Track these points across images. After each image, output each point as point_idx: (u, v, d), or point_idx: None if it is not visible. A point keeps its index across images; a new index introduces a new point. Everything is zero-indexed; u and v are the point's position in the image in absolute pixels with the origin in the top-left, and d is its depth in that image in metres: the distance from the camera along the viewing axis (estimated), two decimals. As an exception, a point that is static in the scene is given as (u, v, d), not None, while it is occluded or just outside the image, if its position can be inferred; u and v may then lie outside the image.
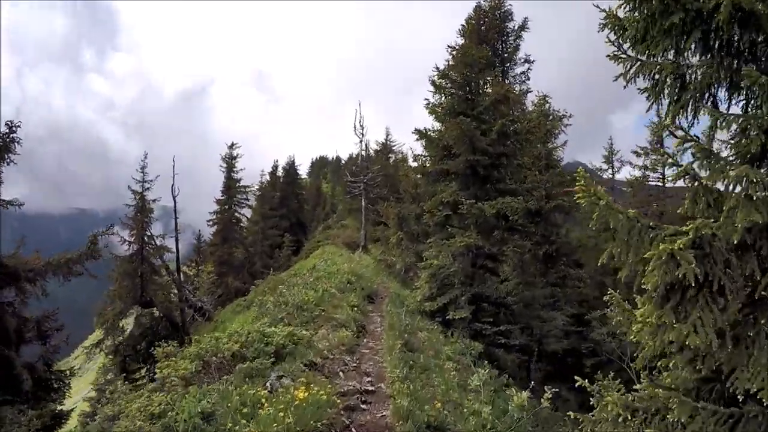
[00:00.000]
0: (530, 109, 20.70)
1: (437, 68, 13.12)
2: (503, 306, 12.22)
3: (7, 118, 11.84)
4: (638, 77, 6.36)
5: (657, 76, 6.22)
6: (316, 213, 60.57)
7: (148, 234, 23.78)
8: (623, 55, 6.42)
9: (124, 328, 23.79)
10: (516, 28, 21.97)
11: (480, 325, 11.22)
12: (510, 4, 21.56)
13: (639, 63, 6.24)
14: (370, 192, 33.94)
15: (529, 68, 23.18)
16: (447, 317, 11.31)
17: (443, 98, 14.05)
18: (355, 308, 10.01)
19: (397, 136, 48.09)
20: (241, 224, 38.04)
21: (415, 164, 18.31)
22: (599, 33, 6.65)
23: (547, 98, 20.29)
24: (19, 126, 11.72)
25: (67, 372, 13.61)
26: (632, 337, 5.22)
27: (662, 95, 6.35)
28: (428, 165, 14.24)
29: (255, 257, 39.73)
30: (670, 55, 6.28)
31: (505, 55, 22.29)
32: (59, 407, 12.33)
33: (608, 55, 6.37)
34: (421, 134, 13.86)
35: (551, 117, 20.82)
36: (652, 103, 6.38)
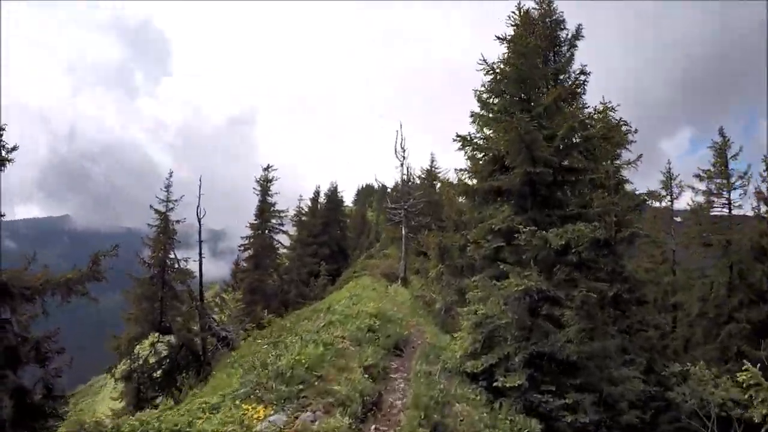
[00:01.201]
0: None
1: (484, 60, 10.53)
2: (572, 367, 9.17)
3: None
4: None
5: None
6: (360, 241, 58.99)
7: (171, 257, 22.49)
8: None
9: (139, 354, 22.45)
10: (569, 36, 19.10)
11: (539, 396, 8.25)
12: (561, 11, 18.69)
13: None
14: (411, 219, 31.64)
15: (585, 80, 20.04)
16: (495, 383, 8.46)
17: (492, 104, 11.59)
18: (369, 372, 7.18)
19: (443, 162, 45.61)
20: (276, 250, 36.47)
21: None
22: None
23: (611, 108, 17.26)
24: (3, 130, 10.64)
25: (67, 398, 12.36)
26: None
27: None
28: (474, 182, 11.52)
29: (290, 285, 37.91)
30: None
31: (558, 67, 19.48)
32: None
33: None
34: (465, 141, 11.03)
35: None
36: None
